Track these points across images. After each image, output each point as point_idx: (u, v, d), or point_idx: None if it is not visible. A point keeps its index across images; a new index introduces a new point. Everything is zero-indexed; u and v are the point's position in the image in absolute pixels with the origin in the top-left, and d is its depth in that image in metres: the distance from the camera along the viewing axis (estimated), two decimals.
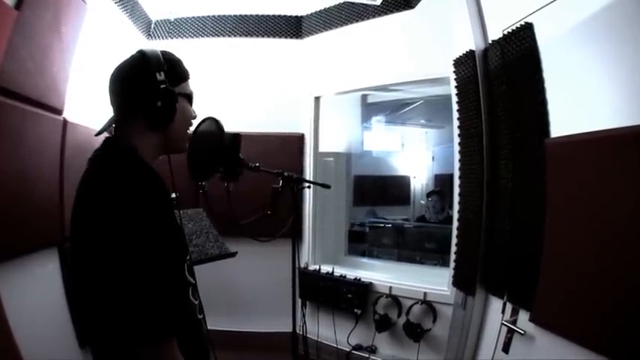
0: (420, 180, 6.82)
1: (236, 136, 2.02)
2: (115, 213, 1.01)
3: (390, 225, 4.93)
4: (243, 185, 2.07)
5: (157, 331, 1.01)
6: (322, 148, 4.08)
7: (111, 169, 1.10)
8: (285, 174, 2.31)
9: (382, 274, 3.60)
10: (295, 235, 2.43)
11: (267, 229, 2.35)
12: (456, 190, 2.80)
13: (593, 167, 1.67)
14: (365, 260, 4.22)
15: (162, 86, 1.16)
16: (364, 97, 4.47)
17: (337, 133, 4.27)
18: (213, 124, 1.99)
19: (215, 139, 1.93)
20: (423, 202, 6.75)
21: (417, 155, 6.75)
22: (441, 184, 6.01)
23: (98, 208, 1.04)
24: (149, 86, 1.16)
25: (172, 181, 1.23)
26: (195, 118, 1.34)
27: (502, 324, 2.17)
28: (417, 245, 4.40)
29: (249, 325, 3.93)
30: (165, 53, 1.23)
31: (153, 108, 1.16)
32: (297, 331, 2.47)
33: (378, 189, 6.51)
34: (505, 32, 2.19)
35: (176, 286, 1.11)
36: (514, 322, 2.12)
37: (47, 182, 2.33)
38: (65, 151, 2.47)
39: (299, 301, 3.73)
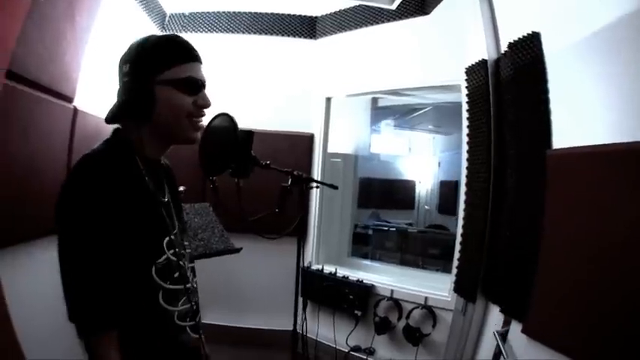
0: (425, 185, 6.83)
1: (249, 133, 2.04)
2: (71, 208, 1.06)
3: (394, 229, 4.95)
4: (252, 182, 2.09)
5: (91, 323, 1.05)
6: (330, 149, 4.10)
7: (82, 167, 1.09)
8: (295, 173, 2.33)
9: (384, 277, 3.62)
10: (301, 234, 2.45)
11: (274, 226, 2.38)
12: (462, 197, 2.82)
13: (591, 181, 1.68)
14: (367, 263, 4.25)
15: (126, 79, 1.16)
16: (374, 100, 4.49)
17: (346, 135, 4.29)
18: (227, 119, 2.02)
19: (229, 135, 1.95)
20: (427, 207, 6.78)
21: (424, 160, 6.76)
22: (447, 190, 6.04)
23: (60, 202, 1.08)
24: (120, 78, 1.18)
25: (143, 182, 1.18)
26: (201, 105, 1.21)
27: (494, 334, 2.19)
28: (420, 250, 4.43)
29: (250, 321, 3.95)
30: (147, 39, 1.18)
31: (123, 102, 1.17)
32: (298, 330, 2.49)
33: (383, 192, 6.53)
34: (511, 41, 2.21)
35: (119, 286, 1.07)
36: (506, 333, 2.14)
37: (55, 170, 2.32)
38: (74, 140, 2.48)
39: (300, 300, 3.77)
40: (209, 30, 3.97)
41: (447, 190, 6.00)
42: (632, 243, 1.45)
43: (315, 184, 2.47)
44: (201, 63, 1.23)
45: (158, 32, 3.78)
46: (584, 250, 1.66)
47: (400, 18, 3.42)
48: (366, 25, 3.67)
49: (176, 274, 1.20)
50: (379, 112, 5.42)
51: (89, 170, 1.07)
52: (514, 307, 2.12)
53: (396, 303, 3.31)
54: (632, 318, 1.43)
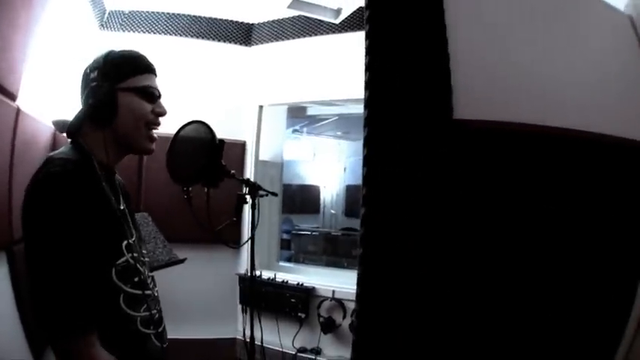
0: (330, 190, 7.08)
1: (222, 142, 2.04)
2: (36, 212, 1.10)
3: (317, 232, 5.11)
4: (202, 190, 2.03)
5: (75, 324, 1.06)
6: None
7: (52, 173, 1.12)
8: (251, 182, 2.36)
9: (318, 279, 3.76)
10: (253, 241, 2.41)
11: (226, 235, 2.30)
12: None
13: None
14: (298, 266, 4.38)
15: (93, 84, 1.23)
16: (291, 108, 4.61)
17: (266, 142, 4.35)
18: (204, 127, 2.02)
19: (209, 144, 1.96)
20: (333, 211, 7.04)
21: (329, 166, 7.01)
22: (354, 194, 6.33)
23: (32, 208, 1.11)
24: (85, 85, 1.26)
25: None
26: (158, 113, 1.33)
27: None
28: (344, 252, 4.62)
29: (190, 332, 3.83)
30: (111, 51, 1.28)
31: (88, 106, 1.23)
32: (246, 337, 2.48)
33: (292, 197, 6.65)
34: None
35: (86, 287, 1.09)
36: None
37: None
38: (15, 146, 2.23)
39: (239, 307, 3.76)
40: (147, 30, 3.80)
41: (354, 194, 6.30)
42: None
43: (264, 193, 2.48)
44: (156, 76, 1.37)
45: (97, 29, 3.57)
46: None
47: (340, 32, 3.57)
48: (303, 36, 3.77)
49: (136, 279, 1.23)
50: (293, 120, 5.56)
51: (60, 176, 1.11)
52: None
53: (339, 303, 3.45)
54: None
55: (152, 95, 1.31)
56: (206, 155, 1.97)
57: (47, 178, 1.11)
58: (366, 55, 1.26)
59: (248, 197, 2.42)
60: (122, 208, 1.32)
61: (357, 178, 6.45)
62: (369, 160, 1.23)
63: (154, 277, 1.43)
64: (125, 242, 1.23)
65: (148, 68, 1.33)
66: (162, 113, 1.34)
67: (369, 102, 1.25)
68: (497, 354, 1.29)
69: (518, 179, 1.33)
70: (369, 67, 1.26)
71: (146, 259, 1.39)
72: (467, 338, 1.26)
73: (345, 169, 6.85)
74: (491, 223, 1.30)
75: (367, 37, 1.27)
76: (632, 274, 1.46)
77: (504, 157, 1.32)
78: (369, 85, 1.25)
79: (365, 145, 1.24)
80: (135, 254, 1.25)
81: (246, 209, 3.87)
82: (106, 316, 1.15)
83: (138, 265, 1.25)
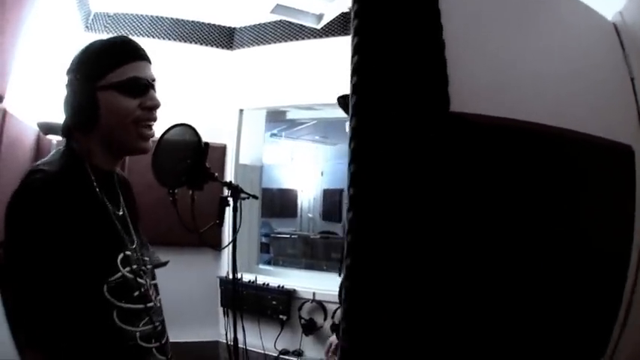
0: (307, 194, 7.13)
1: (207, 145, 2.07)
2: (22, 226, 1.01)
3: (296, 236, 5.14)
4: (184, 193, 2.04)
5: (32, 337, 0.99)
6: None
7: (31, 182, 1.04)
8: (233, 184, 2.39)
9: (298, 281, 3.80)
10: (235, 244, 2.42)
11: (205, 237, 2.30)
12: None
13: None
14: (278, 269, 4.38)
15: (70, 87, 1.12)
16: (270, 111, 4.63)
17: (245, 146, 4.37)
18: (190, 130, 2.06)
19: (195, 147, 1.99)
20: (310, 215, 7.08)
21: (307, 170, 7.05)
22: (331, 198, 6.39)
23: (10, 219, 1.02)
24: (65, 88, 1.14)
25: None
26: (147, 107, 1.16)
27: None
28: (322, 255, 4.66)
29: (173, 334, 3.79)
30: (88, 46, 1.14)
31: (68, 111, 1.13)
32: (228, 340, 2.49)
33: (270, 201, 6.67)
34: None
35: (67, 305, 1.00)
36: None
37: None
38: (1, 147, 2.22)
39: (221, 310, 3.75)
40: (130, 33, 3.78)
41: (331, 198, 6.35)
42: None
43: (245, 196, 2.51)
44: (148, 62, 1.20)
45: (82, 31, 3.54)
46: None
47: (321, 37, 3.63)
48: (285, 41, 3.82)
49: (136, 293, 1.13)
50: (267, 122, 5.57)
51: (39, 186, 1.01)
52: None
53: (319, 304, 3.48)
54: None
55: (139, 87, 1.13)
56: (192, 158, 2.00)
57: (25, 192, 1.02)
58: (353, 37, 1.08)
59: (230, 200, 2.42)
60: (121, 213, 1.20)
61: (334, 183, 6.52)
62: (356, 156, 1.05)
63: (156, 284, 1.32)
64: (121, 255, 1.12)
65: (130, 55, 1.14)
66: (153, 106, 1.16)
67: (357, 88, 1.06)
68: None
69: (522, 179, 1.23)
70: (357, 49, 1.13)
71: (149, 265, 1.27)
72: (460, 343, 1.21)
73: (322, 174, 6.89)
74: (488, 224, 1.18)
75: (356, 16, 1.14)
76: (619, 271, 1.52)
77: (509, 156, 1.21)
78: (356, 69, 1.07)
79: (352, 138, 1.07)
80: (134, 266, 1.15)
81: (228, 212, 3.93)
82: (97, 332, 1.05)
83: (137, 278, 1.15)
